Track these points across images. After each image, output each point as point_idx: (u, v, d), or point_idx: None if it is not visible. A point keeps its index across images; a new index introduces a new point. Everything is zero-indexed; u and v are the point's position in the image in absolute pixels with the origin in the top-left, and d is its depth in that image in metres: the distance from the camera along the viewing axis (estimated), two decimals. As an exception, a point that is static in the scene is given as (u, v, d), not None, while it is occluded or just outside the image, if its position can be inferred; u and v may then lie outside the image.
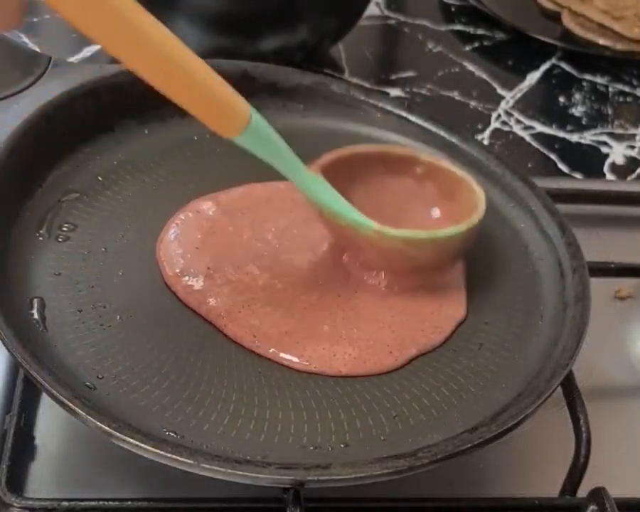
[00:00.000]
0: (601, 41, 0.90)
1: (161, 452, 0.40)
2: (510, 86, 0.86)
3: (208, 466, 0.40)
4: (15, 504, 0.43)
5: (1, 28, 0.44)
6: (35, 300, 0.48)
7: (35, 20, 0.86)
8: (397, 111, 0.62)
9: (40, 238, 0.51)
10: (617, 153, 0.78)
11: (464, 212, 0.52)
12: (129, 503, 0.44)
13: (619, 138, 0.80)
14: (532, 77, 0.88)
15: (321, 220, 0.51)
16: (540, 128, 0.80)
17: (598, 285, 0.54)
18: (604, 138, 0.80)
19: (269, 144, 0.48)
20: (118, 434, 0.40)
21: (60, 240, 0.51)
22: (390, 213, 0.53)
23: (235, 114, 0.46)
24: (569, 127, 0.81)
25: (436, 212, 0.54)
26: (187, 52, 0.43)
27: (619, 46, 0.89)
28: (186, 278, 0.50)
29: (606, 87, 0.87)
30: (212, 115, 0.45)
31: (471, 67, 0.88)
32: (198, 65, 0.44)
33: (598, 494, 0.45)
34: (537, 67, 0.89)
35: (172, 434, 0.43)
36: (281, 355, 0.47)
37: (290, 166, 0.49)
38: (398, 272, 0.51)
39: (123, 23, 0.40)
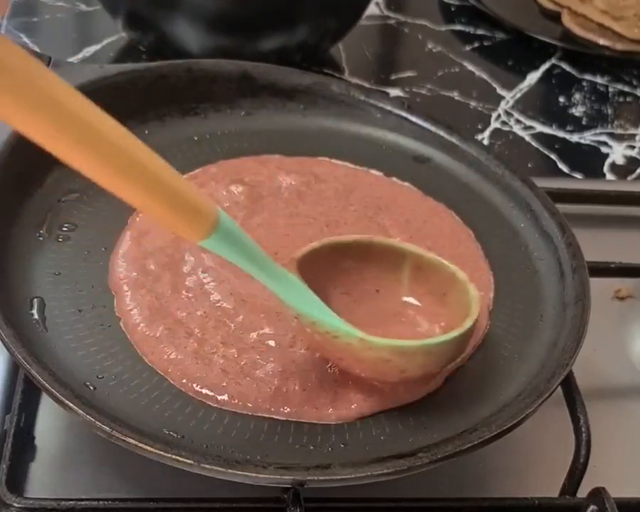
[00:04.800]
0: (601, 41, 0.90)
1: (161, 452, 0.40)
2: (510, 86, 0.86)
3: (208, 466, 0.40)
4: (15, 504, 0.43)
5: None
6: (35, 300, 0.48)
7: (35, 20, 0.86)
8: (397, 111, 0.62)
9: (40, 238, 0.51)
10: (617, 153, 0.78)
11: (456, 311, 0.47)
12: (129, 503, 0.44)
13: (619, 138, 0.80)
14: (532, 77, 0.88)
15: (300, 324, 0.46)
16: (540, 128, 0.80)
17: (598, 285, 0.54)
18: (604, 138, 0.80)
19: (239, 246, 0.42)
20: (118, 434, 0.40)
21: (60, 239, 0.51)
22: (371, 309, 0.49)
23: (199, 217, 0.40)
24: (569, 127, 0.81)
25: (424, 311, 0.49)
26: (146, 150, 0.39)
27: (619, 46, 0.89)
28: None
29: (606, 87, 0.87)
30: (174, 219, 0.39)
31: (471, 67, 0.88)
32: (158, 164, 0.39)
33: (598, 494, 0.45)
34: (537, 67, 0.89)
35: (172, 434, 0.43)
36: None
37: (262, 268, 0.43)
38: (382, 381, 0.46)
39: (69, 119, 0.35)
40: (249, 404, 0.45)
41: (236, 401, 0.45)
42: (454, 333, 0.45)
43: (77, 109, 0.35)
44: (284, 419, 0.45)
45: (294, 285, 0.45)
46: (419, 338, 0.46)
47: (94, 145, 0.36)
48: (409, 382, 0.46)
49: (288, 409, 0.45)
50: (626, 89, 0.87)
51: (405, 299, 0.49)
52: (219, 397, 0.45)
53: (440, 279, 0.48)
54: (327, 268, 0.48)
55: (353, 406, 0.45)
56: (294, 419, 0.45)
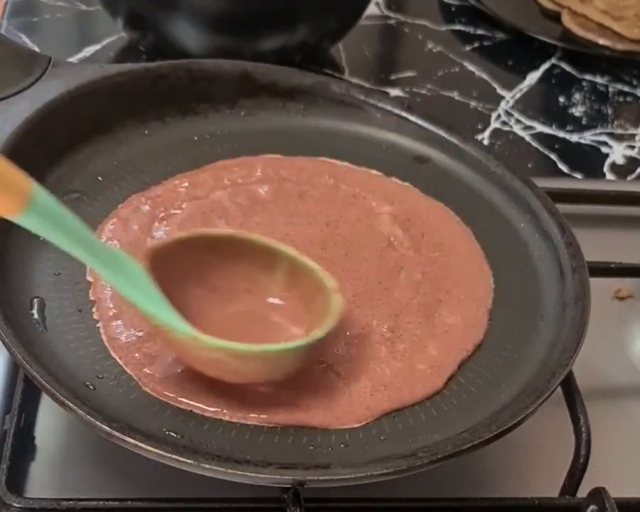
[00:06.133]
0: (601, 41, 0.90)
1: (161, 452, 0.40)
2: (510, 86, 0.86)
3: (208, 466, 0.40)
4: (15, 504, 0.43)
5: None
6: (35, 300, 0.48)
7: (35, 20, 0.86)
8: (397, 111, 0.62)
9: (40, 238, 0.51)
10: (617, 153, 0.78)
11: (317, 318, 0.45)
12: (129, 503, 0.44)
13: (619, 138, 0.80)
14: (532, 77, 0.88)
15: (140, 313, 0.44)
16: (540, 128, 0.80)
17: (598, 285, 0.54)
18: (604, 138, 0.80)
19: (58, 221, 0.40)
20: (118, 434, 0.40)
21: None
22: (240, 308, 0.47)
23: (11, 190, 0.39)
24: (569, 127, 0.81)
25: (288, 315, 0.47)
26: None
27: (619, 46, 0.89)
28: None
29: (606, 87, 0.87)
30: None
31: (471, 67, 0.88)
32: None
33: (598, 494, 0.45)
34: (537, 67, 0.89)
35: (172, 434, 0.43)
36: None
37: (86, 247, 0.41)
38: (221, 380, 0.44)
39: None
40: (252, 415, 0.45)
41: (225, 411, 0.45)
42: (296, 343, 0.44)
43: None
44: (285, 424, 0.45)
45: (126, 271, 0.43)
46: (280, 342, 0.45)
47: None
48: (252, 385, 0.44)
49: (285, 417, 0.45)
50: (626, 89, 0.87)
51: (274, 301, 0.48)
52: (211, 409, 0.44)
53: (310, 284, 0.47)
54: (187, 262, 0.46)
55: (354, 409, 0.45)
56: (296, 425, 0.45)
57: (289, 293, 0.48)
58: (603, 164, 0.77)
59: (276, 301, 0.48)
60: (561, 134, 0.80)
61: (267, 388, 0.45)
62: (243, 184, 0.57)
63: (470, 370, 0.49)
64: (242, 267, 0.47)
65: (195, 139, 0.60)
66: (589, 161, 0.77)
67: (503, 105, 0.83)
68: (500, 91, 0.85)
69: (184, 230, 0.50)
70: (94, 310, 0.48)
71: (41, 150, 0.54)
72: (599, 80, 0.88)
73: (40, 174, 0.53)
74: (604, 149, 0.79)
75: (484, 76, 0.87)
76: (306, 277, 0.47)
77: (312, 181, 0.58)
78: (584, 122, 0.82)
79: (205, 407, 0.44)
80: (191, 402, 0.44)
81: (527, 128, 0.80)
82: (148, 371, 0.45)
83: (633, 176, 0.76)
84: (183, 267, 0.46)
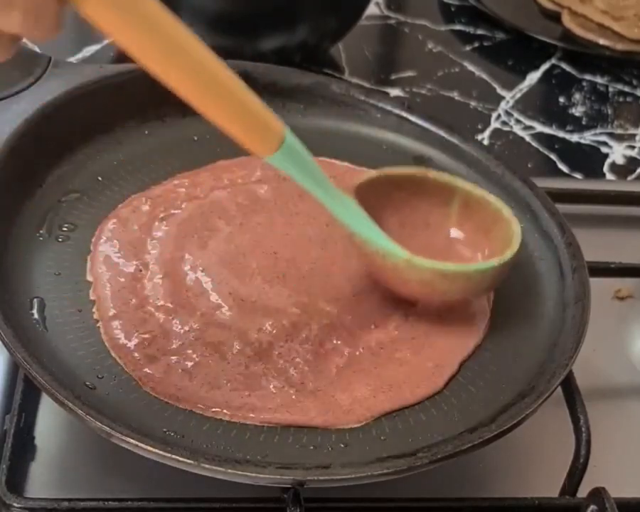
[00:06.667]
0: (601, 41, 0.90)
1: (161, 452, 0.40)
2: (510, 86, 0.86)
3: (208, 466, 0.40)
4: (15, 504, 0.43)
5: (38, 36, 0.41)
6: (35, 300, 0.48)
7: (35, 20, 0.86)
8: (397, 111, 0.62)
9: (40, 238, 0.51)
10: (617, 153, 0.78)
11: (499, 245, 0.50)
12: (129, 503, 0.44)
13: (618, 138, 0.80)
14: (532, 77, 0.88)
15: (352, 244, 0.50)
16: (540, 128, 0.80)
17: (598, 285, 0.54)
18: (604, 138, 0.80)
19: (302, 163, 0.46)
20: (118, 434, 0.40)
21: (60, 239, 0.51)
22: (421, 242, 0.52)
23: (269, 132, 0.44)
24: (569, 127, 0.81)
25: (469, 245, 0.53)
26: (223, 67, 0.41)
27: (619, 46, 0.89)
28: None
29: (606, 87, 0.87)
30: (245, 132, 0.43)
31: (471, 67, 0.88)
32: (234, 81, 0.42)
33: (598, 494, 0.45)
34: (537, 67, 0.89)
35: (172, 434, 0.43)
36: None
37: (321, 186, 0.47)
38: (423, 303, 0.50)
39: (160, 35, 0.39)
40: (252, 415, 0.45)
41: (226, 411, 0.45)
42: (494, 262, 0.49)
43: (168, 28, 0.39)
44: (285, 424, 0.45)
45: (349, 205, 0.48)
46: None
47: (182, 62, 0.40)
48: (449, 305, 0.50)
49: (285, 417, 0.45)
50: (626, 89, 0.87)
51: (453, 232, 0.53)
52: (211, 409, 0.45)
53: (486, 215, 0.52)
54: (383, 198, 0.52)
55: (354, 410, 0.45)
56: (296, 425, 0.45)
57: (467, 225, 0.53)
58: (603, 164, 0.77)
59: (457, 233, 0.53)
60: (561, 134, 0.80)
61: (267, 388, 0.45)
62: (243, 184, 0.57)
63: (470, 370, 0.49)
64: (422, 203, 0.53)
65: (195, 139, 0.60)
66: (589, 161, 0.77)
67: (503, 105, 0.83)
68: (500, 91, 0.85)
69: (377, 170, 0.53)
70: (94, 310, 0.48)
71: (41, 150, 0.54)
72: (599, 80, 0.88)
73: (40, 174, 0.53)
74: (604, 149, 0.79)
75: (484, 76, 0.87)
76: (484, 209, 0.52)
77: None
78: (584, 122, 0.82)
79: (205, 407, 0.44)
80: (191, 402, 0.44)
81: (527, 128, 0.80)
82: (148, 371, 0.45)
83: (633, 176, 0.76)
84: (380, 203, 0.51)
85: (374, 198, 0.51)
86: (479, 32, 0.94)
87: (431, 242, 0.52)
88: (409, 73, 0.86)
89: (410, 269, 0.48)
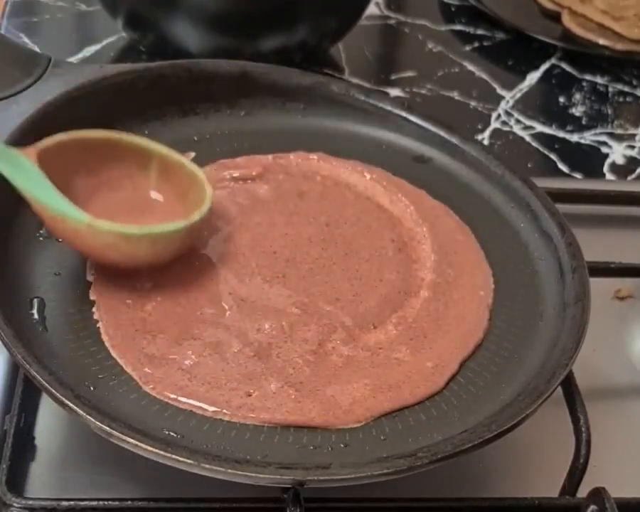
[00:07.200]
0: (601, 41, 0.90)
1: (161, 452, 0.40)
2: (510, 86, 0.86)
3: (208, 466, 0.40)
4: (15, 504, 0.43)
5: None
6: (35, 300, 0.48)
7: (35, 20, 0.86)
8: (397, 111, 0.62)
9: (40, 238, 0.51)
10: (617, 153, 0.78)
11: (193, 208, 0.50)
12: (129, 502, 0.44)
13: (618, 138, 0.80)
14: (532, 77, 0.88)
15: (34, 210, 0.48)
16: (540, 128, 0.80)
17: (598, 285, 0.54)
18: (604, 138, 0.80)
19: None
20: (118, 434, 0.40)
21: (60, 240, 0.51)
22: (123, 205, 0.51)
23: None
24: (569, 127, 0.81)
25: (168, 208, 0.52)
26: None
27: (619, 46, 0.89)
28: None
29: (606, 87, 0.87)
30: None
31: (471, 67, 0.88)
32: None
33: (598, 494, 0.45)
34: (537, 67, 0.89)
35: (172, 434, 0.43)
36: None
37: None
38: (111, 267, 0.49)
39: None
40: (252, 415, 0.45)
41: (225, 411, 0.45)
42: (180, 224, 0.49)
43: None
44: (285, 424, 0.45)
45: (26, 169, 0.46)
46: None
47: None
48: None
49: (285, 417, 0.45)
50: (626, 89, 0.87)
51: (153, 194, 0.53)
52: (210, 409, 0.45)
53: (182, 178, 0.52)
54: (74, 161, 0.50)
55: (354, 410, 0.45)
56: (296, 425, 0.45)
57: (166, 188, 0.52)
58: (603, 164, 0.77)
59: (156, 195, 0.53)
60: (561, 134, 0.80)
61: (267, 388, 0.45)
62: (243, 184, 0.57)
63: (470, 370, 0.49)
64: (121, 165, 0.52)
65: (195, 139, 0.60)
66: (589, 161, 0.77)
67: (503, 105, 0.83)
68: (500, 91, 0.85)
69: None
70: (94, 310, 0.48)
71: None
72: (599, 80, 0.88)
73: (40, 174, 0.53)
74: (604, 149, 0.79)
75: (484, 76, 0.87)
76: (179, 172, 0.52)
77: (312, 181, 0.58)
78: (584, 122, 0.82)
79: (205, 407, 0.44)
80: (191, 402, 0.44)
81: (527, 128, 0.80)
82: (148, 371, 0.45)
83: (633, 176, 0.76)
84: (71, 166, 0.50)
85: (63, 162, 0.49)
86: (479, 32, 0.94)
87: (133, 205, 0.52)
88: (409, 73, 0.86)
89: (93, 233, 0.46)
